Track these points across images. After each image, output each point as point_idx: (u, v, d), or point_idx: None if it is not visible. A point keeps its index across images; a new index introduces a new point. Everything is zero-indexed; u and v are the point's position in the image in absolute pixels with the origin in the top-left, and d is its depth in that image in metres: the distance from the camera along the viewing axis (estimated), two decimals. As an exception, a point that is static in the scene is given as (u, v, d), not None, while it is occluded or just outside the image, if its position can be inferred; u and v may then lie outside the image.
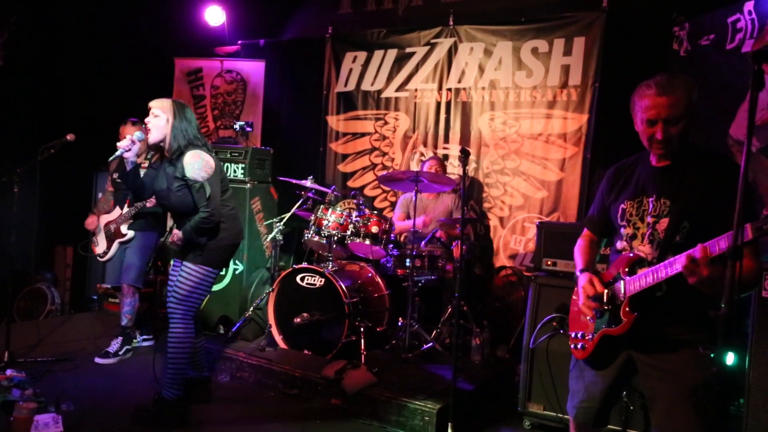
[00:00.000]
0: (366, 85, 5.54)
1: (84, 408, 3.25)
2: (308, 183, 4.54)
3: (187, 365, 3.27)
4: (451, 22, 5.12)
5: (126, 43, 6.15)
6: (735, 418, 2.76)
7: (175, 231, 3.17)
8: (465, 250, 3.93)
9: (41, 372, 3.78)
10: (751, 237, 1.56)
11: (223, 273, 4.86)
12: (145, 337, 4.64)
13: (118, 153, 3.12)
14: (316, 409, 3.52)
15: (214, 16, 6.16)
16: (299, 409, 3.50)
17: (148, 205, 4.08)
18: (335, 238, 4.26)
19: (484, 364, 4.02)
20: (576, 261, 2.28)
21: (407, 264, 4.17)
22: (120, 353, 4.21)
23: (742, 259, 1.43)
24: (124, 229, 4.24)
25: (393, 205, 5.35)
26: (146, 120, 3.12)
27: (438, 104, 5.20)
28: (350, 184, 5.63)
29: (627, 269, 1.97)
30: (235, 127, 4.93)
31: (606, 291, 2.03)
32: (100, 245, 4.35)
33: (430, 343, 4.08)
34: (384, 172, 5.20)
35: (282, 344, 4.21)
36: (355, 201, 4.52)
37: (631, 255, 2.00)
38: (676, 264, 1.77)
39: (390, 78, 5.42)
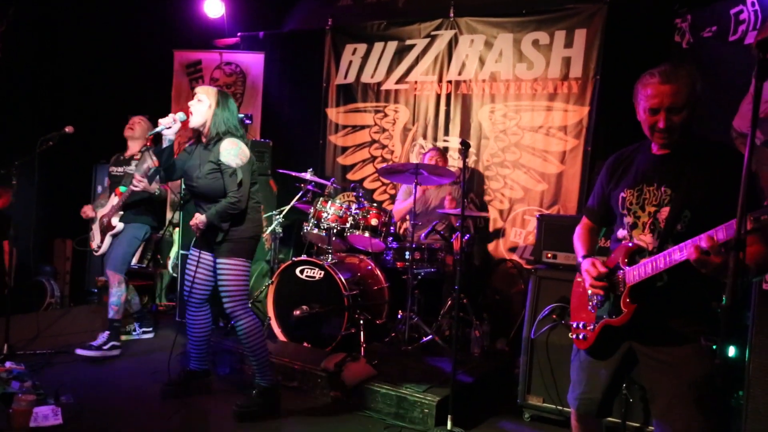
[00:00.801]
0: (366, 78, 5.52)
1: (83, 400, 3.24)
2: (308, 175, 4.52)
3: (266, 349, 3.33)
4: (452, 14, 5.09)
5: (125, 35, 6.12)
6: (735, 409, 2.76)
7: (198, 215, 3.19)
8: (465, 242, 3.92)
9: (40, 364, 3.78)
10: (749, 228, 1.55)
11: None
12: (144, 329, 4.62)
13: (158, 129, 3.20)
14: (315, 402, 3.52)
15: (214, 8, 6.14)
16: (299, 401, 3.50)
17: (135, 188, 3.96)
18: (334, 230, 4.25)
19: (483, 357, 4.02)
20: (576, 249, 2.27)
21: (407, 256, 4.16)
22: (104, 348, 4.09)
23: (745, 249, 1.42)
24: (114, 221, 4.21)
25: (393, 198, 5.34)
26: (189, 103, 3.21)
27: (438, 96, 5.18)
28: (350, 176, 5.61)
29: (626, 259, 1.96)
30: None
31: (606, 278, 2.01)
32: (96, 239, 4.32)
33: (430, 336, 4.08)
34: (383, 165, 5.19)
35: (281, 337, 4.20)
36: (354, 193, 4.51)
37: (630, 245, 1.99)
38: (675, 254, 1.76)
39: (390, 70, 5.40)
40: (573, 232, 2.36)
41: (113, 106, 6.46)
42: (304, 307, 4.04)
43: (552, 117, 4.70)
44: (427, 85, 5.24)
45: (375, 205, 4.37)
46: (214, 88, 3.26)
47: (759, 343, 2.69)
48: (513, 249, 4.88)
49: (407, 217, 4.78)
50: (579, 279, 2.19)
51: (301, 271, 4.14)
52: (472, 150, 4.99)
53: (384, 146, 5.48)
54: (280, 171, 4.84)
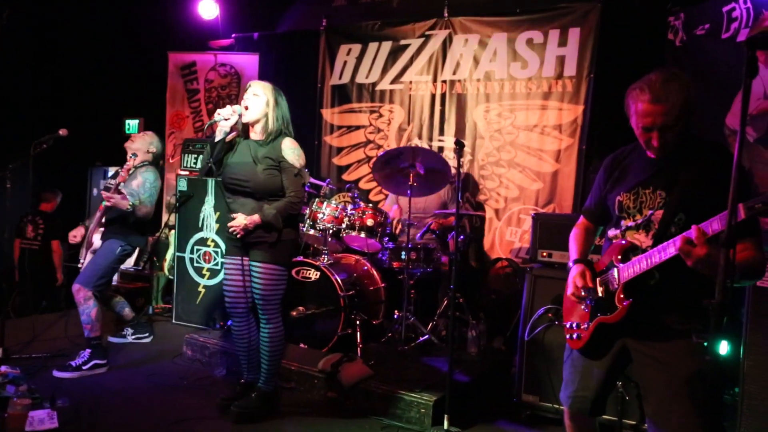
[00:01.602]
0: (361, 78, 5.52)
1: (79, 404, 3.24)
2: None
3: (281, 358, 3.31)
4: (446, 14, 5.10)
5: (119, 37, 6.13)
6: (730, 406, 2.77)
7: (245, 216, 3.03)
8: (460, 242, 3.92)
9: (36, 368, 3.76)
10: (743, 216, 1.55)
11: (218, 267, 4.85)
12: (138, 335, 4.52)
13: (216, 119, 3.10)
14: (312, 403, 3.51)
15: (208, 10, 6.14)
16: (295, 402, 3.49)
17: (106, 203, 3.80)
18: (330, 231, 4.25)
19: (480, 356, 4.02)
20: (570, 250, 2.27)
21: (403, 257, 4.16)
22: (85, 368, 3.75)
23: (736, 246, 1.43)
24: (95, 237, 4.03)
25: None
26: (245, 97, 3.14)
27: (433, 96, 5.19)
28: (345, 177, 5.61)
29: (620, 256, 1.97)
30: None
31: (596, 285, 2.03)
32: (84, 256, 4.11)
33: (426, 336, 4.08)
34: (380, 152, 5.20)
35: (278, 338, 4.19)
36: (350, 194, 4.50)
37: (624, 242, 2.00)
38: (670, 248, 1.76)
39: (385, 70, 5.40)
40: (568, 231, 2.36)
41: (108, 109, 6.48)
42: (301, 307, 4.04)
43: (547, 116, 4.71)
44: (422, 84, 5.24)
45: (371, 205, 4.37)
46: (268, 84, 3.19)
47: (753, 340, 2.70)
48: (509, 248, 4.89)
49: (402, 216, 4.78)
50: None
51: (297, 272, 4.13)
52: (467, 149, 5.00)
53: (379, 146, 5.48)
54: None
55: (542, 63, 4.71)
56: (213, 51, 6.18)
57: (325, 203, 4.28)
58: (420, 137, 5.26)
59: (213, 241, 4.90)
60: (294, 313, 4.02)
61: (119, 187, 3.86)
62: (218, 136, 3.13)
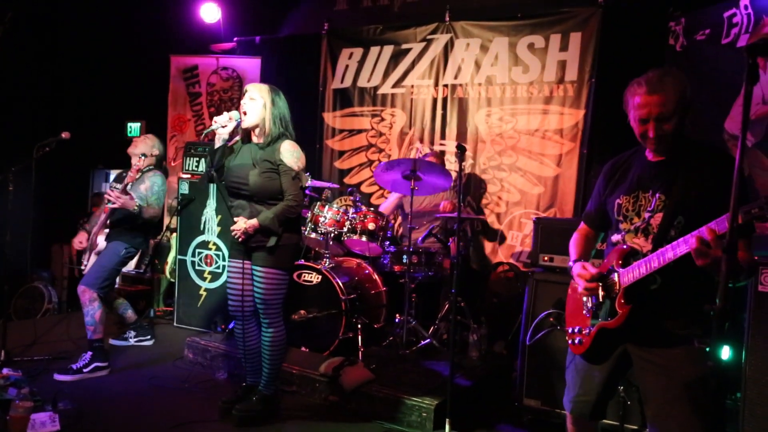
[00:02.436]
0: (362, 82, 5.53)
1: (81, 406, 3.24)
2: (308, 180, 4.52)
3: (282, 362, 3.32)
4: (447, 18, 5.11)
5: (122, 40, 6.14)
6: (731, 411, 2.77)
7: (246, 220, 3.03)
8: (462, 246, 3.92)
9: (38, 371, 3.77)
10: (740, 222, 1.56)
11: (219, 270, 4.86)
12: (140, 338, 4.54)
13: (213, 127, 3.10)
14: (313, 406, 3.51)
15: (210, 13, 6.15)
16: (297, 405, 3.49)
17: (113, 204, 3.81)
18: (332, 234, 4.25)
19: (481, 360, 4.02)
20: (570, 253, 2.28)
21: (404, 260, 4.17)
22: (86, 370, 3.75)
23: (737, 251, 1.43)
24: (99, 239, 4.06)
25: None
26: (242, 102, 3.12)
27: (434, 100, 5.20)
28: (347, 180, 5.62)
29: (620, 261, 1.97)
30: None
31: (600, 280, 2.02)
32: (85, 257, 4.16)
33: (428, 340, 4.09)
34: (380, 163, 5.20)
35: (279, 341, 4.19)
36: (351, 198, 4.51)
37: (625, 247, 2.00)
38: (669, 253, 1.77)
39: (386, 74, 5.41)
40: (570, 235, 2.37)
41: (110, 112, 6.50)
42: (302, 311, 4.04)
43: (548, 120, 4.72)
44: (424, 89, 5.25)
45: (372, 209, 4.38)
46: (266, 85, 3.16)
47: (755, 345, 2.70)
48: (510, 252, 4.89)
49: (398, 214, 4.79)
50: (573, 284, 2.20)
51: (299, 276, 4.14)
52: (468, 153, 5.00)
53: (381, 150, 5.49)
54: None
55: (543, 67, 4.72)
56: (215, 54, 6.19)
57: (327, 207, 4.29)
58: (422, 141, 5.26)
59: (215, 244, 4.90)
60: (295, 317, 4.02)
61: (127, 188, 3.88)
62: (217, 144, 3.14)
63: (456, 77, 5.09)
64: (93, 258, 4.04)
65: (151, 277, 5.69)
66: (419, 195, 4.40)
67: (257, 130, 3.15)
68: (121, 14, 6.02)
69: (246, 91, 3.14)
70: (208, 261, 4.92)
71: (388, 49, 5.39)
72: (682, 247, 1.73)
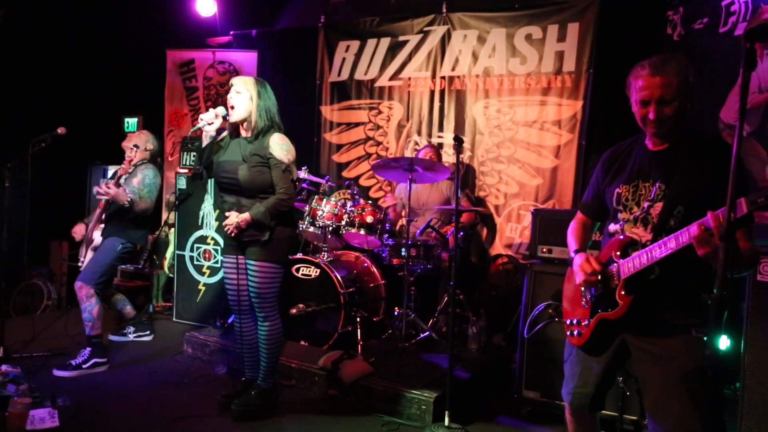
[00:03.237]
0: (359, 75, 5.51)
1: (80, 402, 3.24)
2: (302, 174, 4.51)
3: (279, 355, 3.32)
4: (444, 10, 5.08)
5: (117, 35, 6.11)
6: (730, 401, 2.76)
7: (238, 214, 3.03)
8: (460, 238, 3.91)
9: (37, 367, 3.77)
10: (745, 211, 1.55)
11: (218, 265, 4.85)
12: (139, 334, 4.54)
13: (200, 125, 3.09)
14: (313, 400, 3.52)
15: (206, 7, 6.11)
16: (296, 399, 3.50)
17: (103, 197, 3.82)
18: (330, 228, 4.24)
19: (480, 353, 4.02)
20: (569, 243, 2.27)
21: (403, 253, 4.16)
22: (85, 366, 3.75)
23: (736, 241, 1.42)
24: (95, 234, 4.06)
25: (388, 194, 5.33)
26: (228, 96, 3.09)
27: (432, 92, 5.18)
28: (345, 174, 5.61)
29: (619, 252, 1.96)
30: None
31: (604, 270, 2.01)
32: (82, 253, 4.17)
33: (427, 332, 4.08)
34: (378, 160, 5.18)
35: (278, 335, 4.19)
36: (349, 191, 4.50)
37: (622, 237, 1.99)
38: (671, 242, 1.76)
39: (383, 67, 5.39)
40: (568, 227, 2.36)
41: (106, 107, 6.47)
42: (301, 305, 4.04)
43: (546, 111, 4.70)
44: (421, 81, 5.23)
45: (370, 202, 4.37)
46: (251, 78, 3.12)
47: (754, 335, 2.69)
48: (509, 244, 4.88)
49: (402, 213, 4.77)
50: (570, 275, 2.19)
51: (297, 270, 4.13)
52: (466, 146, 4.99)
53: (379, 143, 5.47)
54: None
55: (541, 58, 4.70)
56: (211, 48, 6.15)
57: (325, 200, 4.28)
58: (419, 134, 5.25)
59: (213, 239, 4.90)
60: (294, 311, 4.02)
61: (119, 181, 3.87)
62: (205, 141, 3.13)
63: (453, 69, 5.06)
64: (90, 254, 4.03)
65: (150, 272, 5.69)
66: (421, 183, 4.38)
67: (245, 124, 3.13)
68: (117, 9, 5.98)
69: (232, 84, 3.11)
70: (207, 256, 4.92)
71: (385, 42, 5.36)
72: (684, 236, 1.72)
